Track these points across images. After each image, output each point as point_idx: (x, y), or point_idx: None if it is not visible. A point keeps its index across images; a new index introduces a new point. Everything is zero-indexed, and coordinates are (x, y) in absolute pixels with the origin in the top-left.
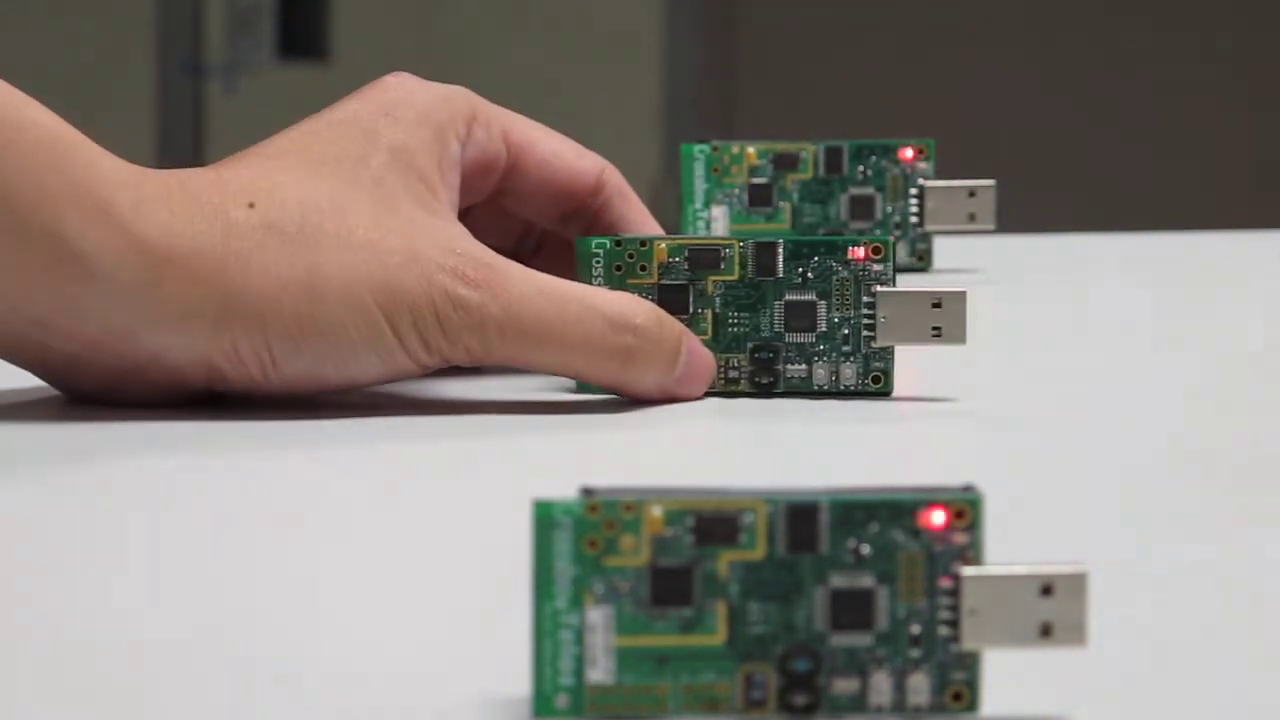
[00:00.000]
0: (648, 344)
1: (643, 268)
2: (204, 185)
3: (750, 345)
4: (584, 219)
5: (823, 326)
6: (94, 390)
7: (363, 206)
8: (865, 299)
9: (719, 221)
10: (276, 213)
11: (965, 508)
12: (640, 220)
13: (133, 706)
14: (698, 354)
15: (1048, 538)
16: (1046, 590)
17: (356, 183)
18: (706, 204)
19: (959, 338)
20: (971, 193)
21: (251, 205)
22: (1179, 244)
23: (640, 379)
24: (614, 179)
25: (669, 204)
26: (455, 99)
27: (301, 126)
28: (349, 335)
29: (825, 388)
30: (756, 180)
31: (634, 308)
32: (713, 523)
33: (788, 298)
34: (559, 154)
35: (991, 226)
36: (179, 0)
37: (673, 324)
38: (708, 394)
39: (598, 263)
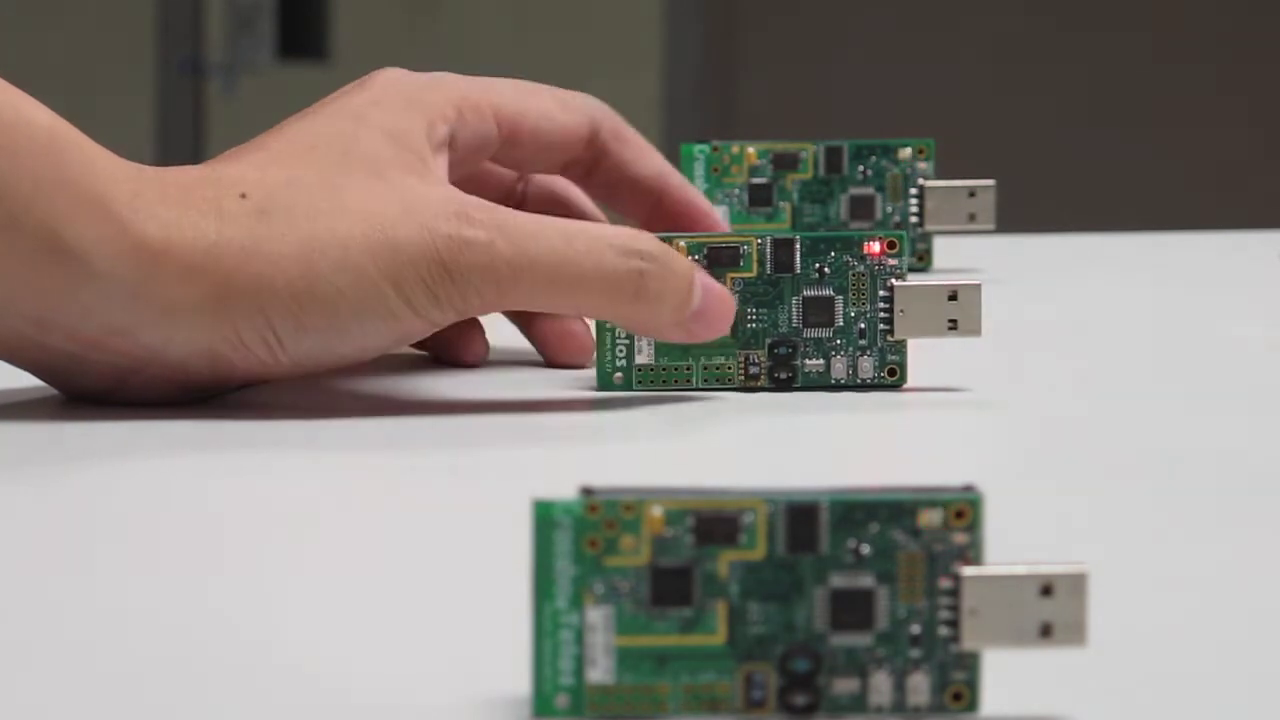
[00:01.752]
0: (659, 269)
1: None
2: (197, 181)
3: (769, 341)
4: (583, 166)
5: (840, 321)
6: (96, 390)
7: (355, 180)
8: (881, 293)
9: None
10: (268, 199)
11: (965, 508)
12: (638, 158)
13: (133, 706)
14: (713, 290)
15: (1048, 538)
16: (1046, 590)
17: (348, 160)
18: None
19: (974, 330)
20: (971, 193)
21: (244, 196)
22: (1179, 244)
23: (656, 309)
24: (607, 123)
25: None
26: (441, 85)
27: (292, 122)
28: (348, 302)
29: (843, 381)
30: (756, 180)
31: (639, 234)
32: (713, 523)
33: (805, 293)
34: (550, 116)
35: (991, 226)
36: (179, 0)
37: (681, 256)
38: (725, 390)
39: None
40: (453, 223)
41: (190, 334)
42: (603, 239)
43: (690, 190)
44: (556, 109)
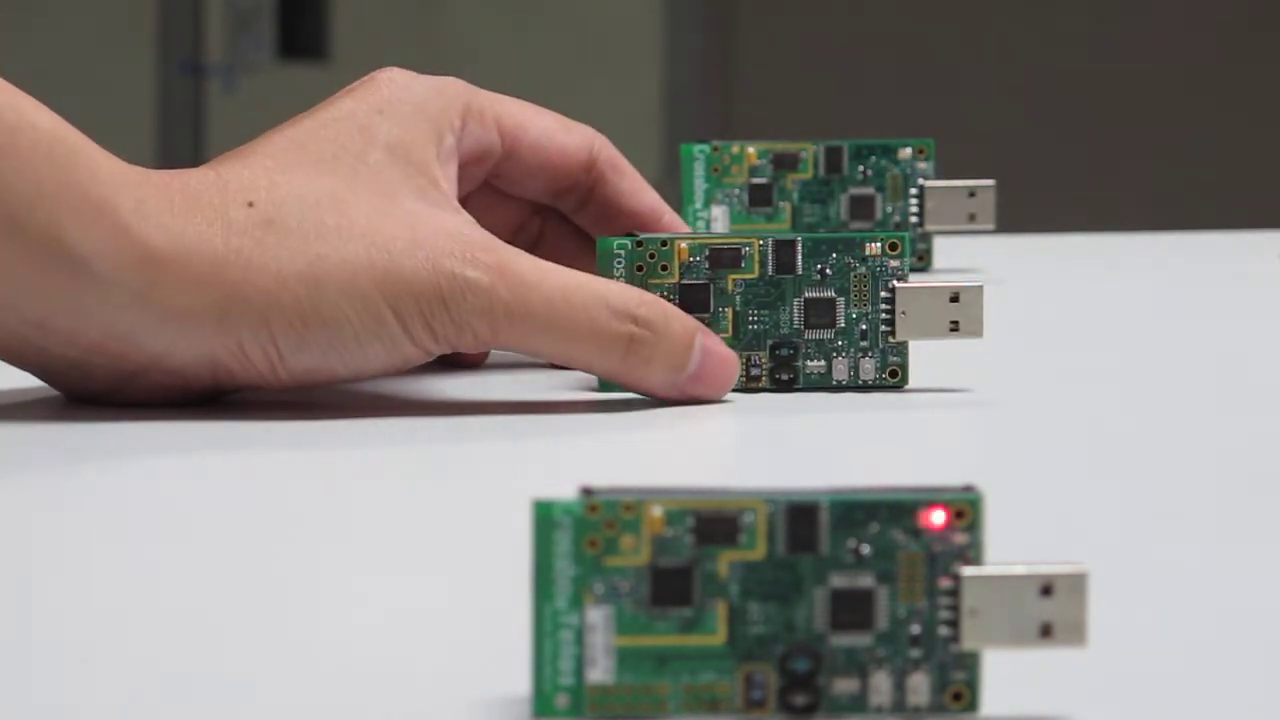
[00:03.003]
0: (651, 335)
1: (664, 267)
2: (204, 186)
3: (770, 343)
4: (578, 194)
5: (841, 323)
6: (96, 392)
7: (363, 199)
8: (883, 294)
9: (719, 221)
10: (275, 210)
11: (965, 508)
12: (634, 190)
13: (133, 707)
14: (715, 354)
15: (1048, 538)
16: (1046, 590)
17: (356, 178)
18: (706, 204)
19: (976, 332)
20: (971, 193)
21: (251, 204)
22: (1179, 244)
23: (646, 372)
24: (604, 152)
25: (669, 204)
26: (448, 91)
27: (298, 124)
28: (353, 326)
29: (844, 383)
30: (756, 180)
31: (638, 298)
32: (713, 523)
33: (807, 295)
34: (550, 135)
35: (991, 226)
36: (179, 0)
37: (684, 320)
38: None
39: (619, 263)
40: (457, 261)
41: (193, 342)
42: (602, 297)
43: (682, 228)
44: (558, 129)
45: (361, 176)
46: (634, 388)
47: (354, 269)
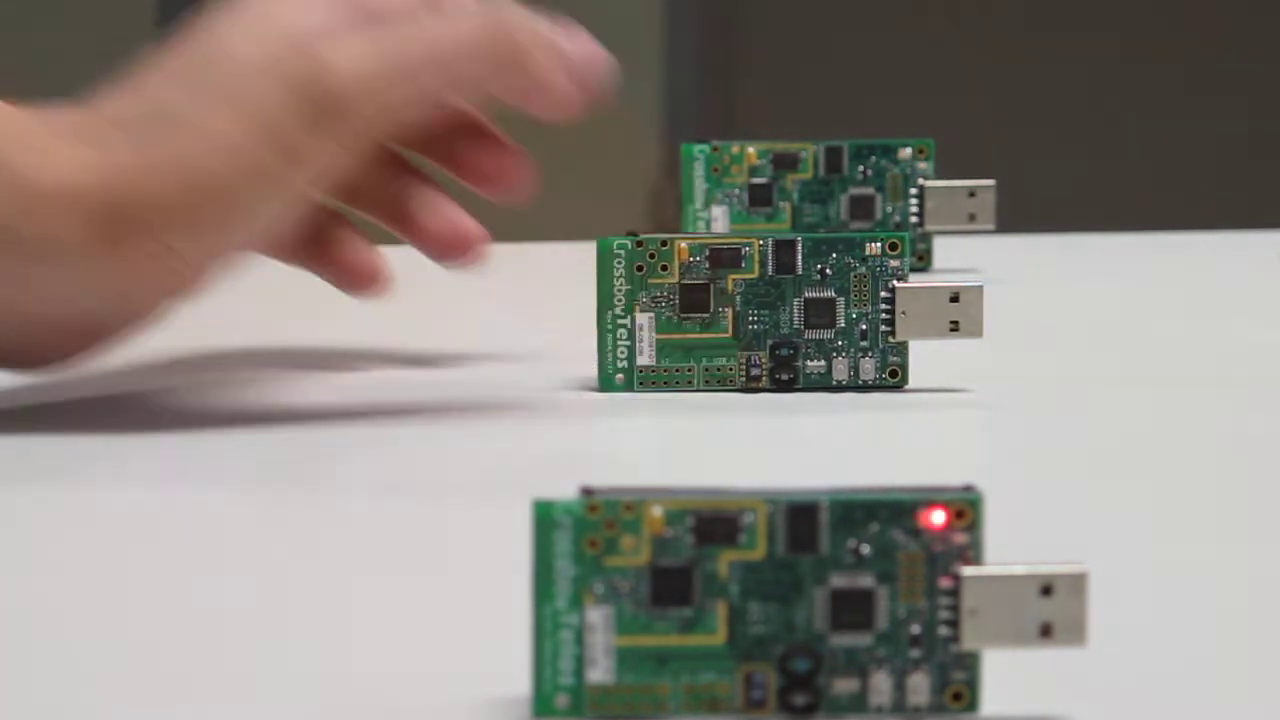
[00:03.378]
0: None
1: (664, 267)
2: (78, 116)
3: (770, 342)
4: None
5: (841, 323)
6: (10, 358)
7: (209, 67)
8: (883, 294)
9: (719, 221)
10: (135, 113)
11: (965, 508)
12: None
13: (133, 709)
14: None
15: (1048, 538)
16: (1046, 590)
17: (202, 56)
18: (706, 204)
19: (976, 332)
20: (971, 193)
21: (116, 123)
22: (1179, 244)
23: (532, 64)
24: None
25: (669, 204)
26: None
27: (164, 50)
28: (233, 188)
29: (844, 383)
30: (756, 180)
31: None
32: (713, 523)
33: (807, 295)
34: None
35: (991, 226)
36: (179, 1)
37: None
38: (726, 391)
39: (619, 263)
40: (305, 60)
41: (91, 274)
42: (463, 5)
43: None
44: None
45: (203, 50)
46: (536, 89)
47: (213, 134)
